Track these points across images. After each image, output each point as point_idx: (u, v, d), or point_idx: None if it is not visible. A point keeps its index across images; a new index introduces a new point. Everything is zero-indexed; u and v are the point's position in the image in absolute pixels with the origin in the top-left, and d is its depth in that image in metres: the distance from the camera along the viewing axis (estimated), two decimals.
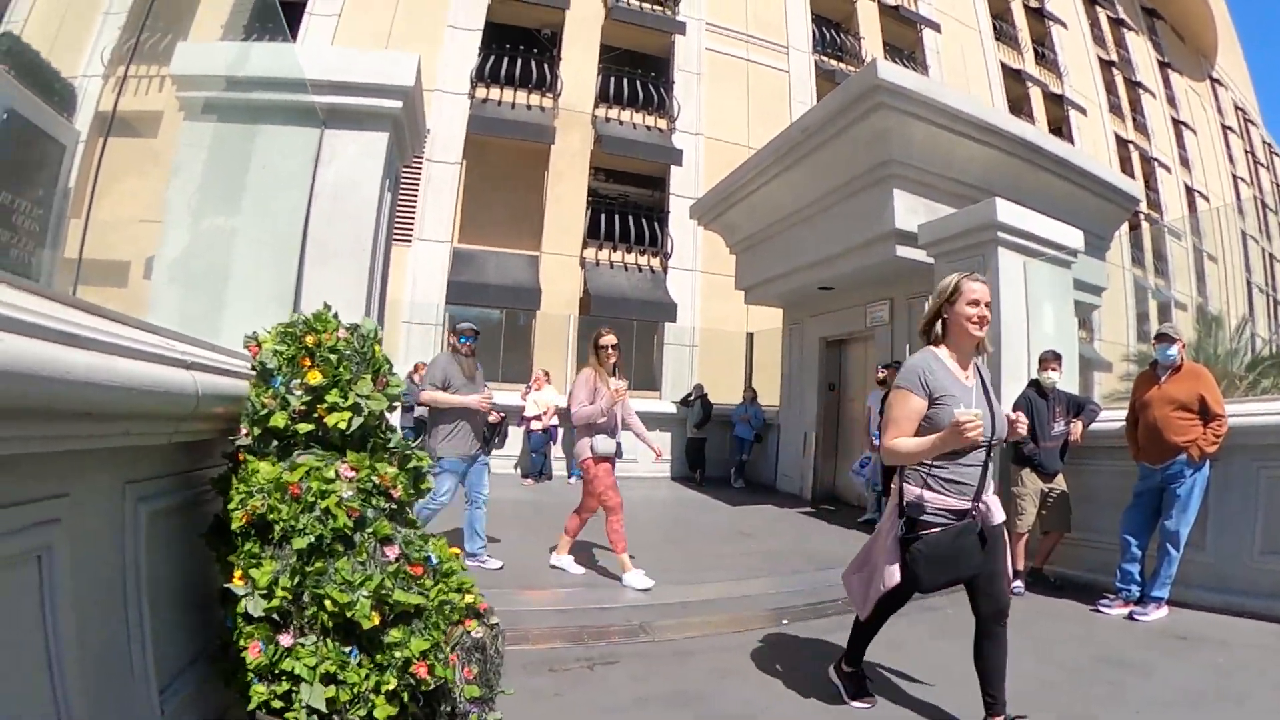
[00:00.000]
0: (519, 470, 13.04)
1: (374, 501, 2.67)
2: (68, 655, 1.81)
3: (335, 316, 2.94)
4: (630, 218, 19.06)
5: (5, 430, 1.49)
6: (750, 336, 15.73)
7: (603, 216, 18.80)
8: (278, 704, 2.37)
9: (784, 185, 10.43)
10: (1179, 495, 5.27)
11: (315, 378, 2.69)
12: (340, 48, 14.80)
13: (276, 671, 2.37)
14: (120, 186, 4.39)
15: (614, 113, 19.42)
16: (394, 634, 2.47)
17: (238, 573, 2.45)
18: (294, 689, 2.36)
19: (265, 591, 2.41)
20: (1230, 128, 42.48)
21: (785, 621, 5.24)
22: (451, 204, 17.69)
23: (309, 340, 2.79)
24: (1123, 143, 32.04)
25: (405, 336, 15.79)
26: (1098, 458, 6.37)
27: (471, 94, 18.20)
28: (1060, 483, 6.19)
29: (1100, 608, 5.51)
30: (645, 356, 18.66)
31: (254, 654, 2.36)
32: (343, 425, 2.70)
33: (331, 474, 2.58)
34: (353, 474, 2.64)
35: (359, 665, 2.41)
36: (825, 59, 22.74)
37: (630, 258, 18.88)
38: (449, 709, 2.59)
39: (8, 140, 4.23)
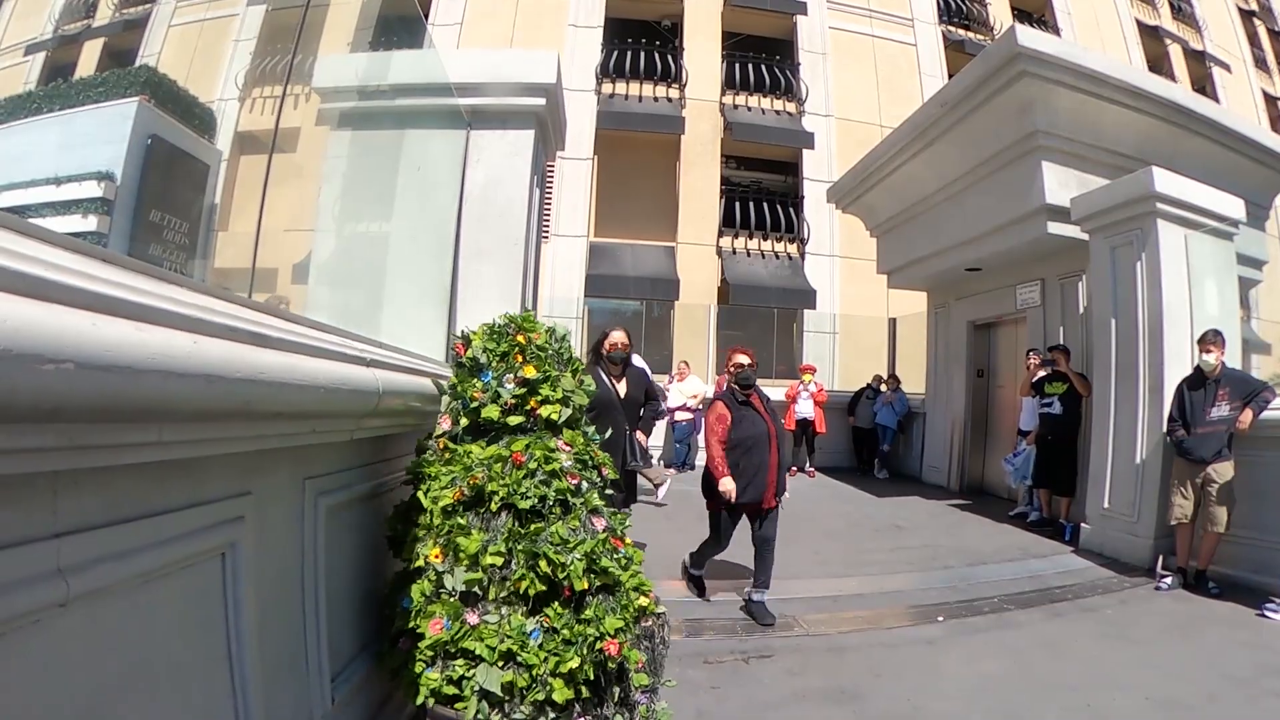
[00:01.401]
0: (662, 461, 12.99)
1: (588, 474, 2.91)
2: (248, 648, 1.88)
3: (536, 318, 3.20)
4: (765, 204, 18.80)
5: (205, 432, 1.54)
6: (893, 322, 15.32)
7: (737, 204, 18.63)
8: (450, 690, 2.43)
9: (925, 163, 10.06)
10: None
11: (530, 371, 2.94)
12: (478, 50, 15.17)
13: (453, 651, 2.45)
14: (265, 199, 4.62)
15: (741, 99, 19.20)
16: (589, 610, 2.61)
17: (434, 550, 2.58)
18: (467, 675, 2.42)
19: (470, 562, 2.54)
20: None
21: (941, 618, 5.15)
22: (585, 199, 17.89)
23: (520, 338, 3.03)
24: (1271, 100, 29.26)
25: None
26: (1267, 449, 5.90)
27: (598, 90, 18.35)
28: (1222, 473, 5.75)
29: (1267, 613, 5.19)
30: (786, 344, 18.47)
31: (435, 630, 2.45)
32: (555, 416, 2.94)
33: (552, 445, 2.85)
34: (569, 448, 2.90)
35: (540, 647, 2.48)
36: (952, 29, 21.71)
37: (767, 245, 18.65)
38: (618, 696, 2.66)
39: (153, 163, 4.52)
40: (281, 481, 2.14)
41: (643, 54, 18.82)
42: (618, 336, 5.61)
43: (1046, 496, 8.54)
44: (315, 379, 1.85)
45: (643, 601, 2.84)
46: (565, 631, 2.53)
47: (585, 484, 2.86)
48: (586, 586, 2.60)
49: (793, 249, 18.77)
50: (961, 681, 3.93)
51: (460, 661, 2.44)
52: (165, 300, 1.36)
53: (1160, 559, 6.15)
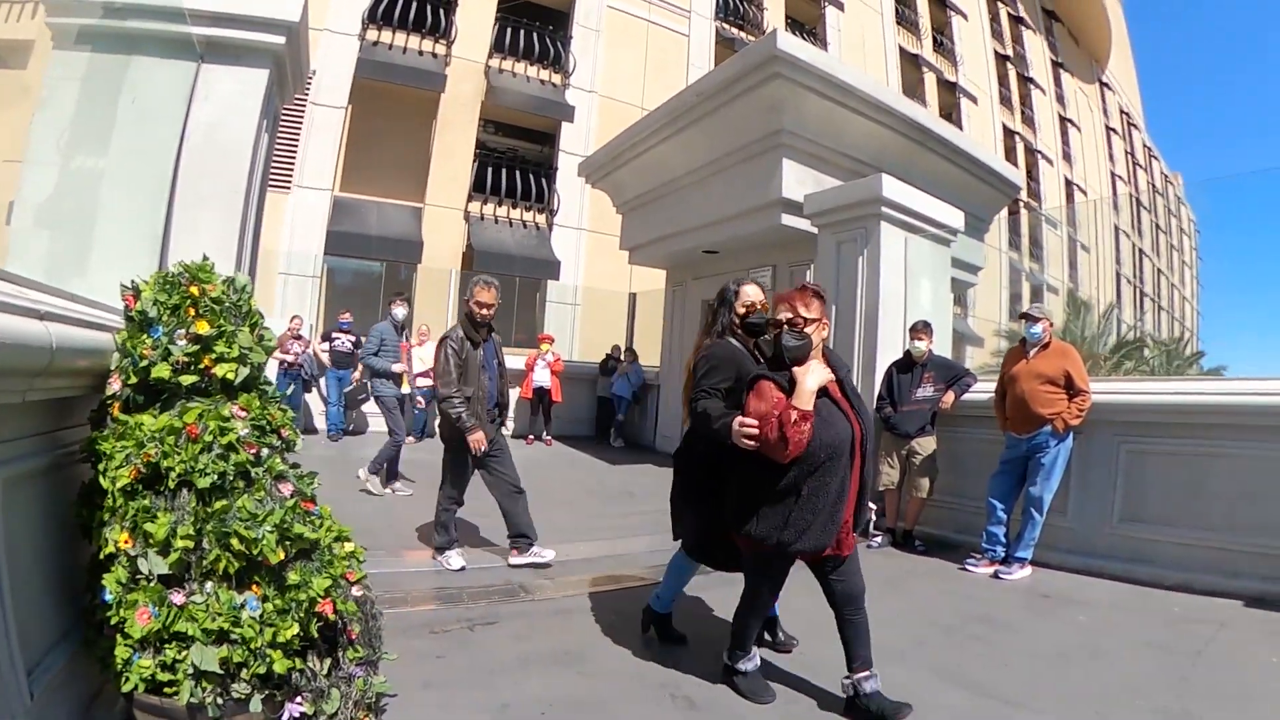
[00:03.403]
0: None
1: (267, 440, 2.69)
2: None
3: (214, 268, 2.87)
4: (518, 172, 18.77)
5: None
6: (633, 297, 15.84)
7: (490, 170, 18.44)
8: (164, 675, 2.25)
9: (675, 148, 10.44)
10: (1043, 464, 5.62)
11: (203, 327, 2.64)
12: None
13: (166, 637, 2.27)
14: None
15: (508, 64, 18.98)
16: (294, 575, 2.49)
17: (123, 534, 2.35)
18: (180, 659, 2.25)
19: (162, 546, 2.33)
20: (1114, 129, 45.40)
21: None
22: (334, 150, 16.96)
23: (193, 290, 2.71)
24: (1009, 133, 33.68)
25: (281, 288, 15.29)
26: (967, 426, 6.66)
27: (362, 35, 17.41)
28: (925, 447, 6.46)
29: (967, 566, 5.83)
30: (527, 314, 18.58)
31: (143, 620, 2.24)
32: (230, 375, 2.69)
33: (226, 413, 2.58)
34: (245, 414, 2.65)
35: (258, 619, 2.35)
36: (726, 26, 22.79)
37: (516, 213, 18.65)
38: (329, 668, 2.58)
39: None
40: None
41: (414, 4, 18.02)
42: (754, 294, 3.76)
43: None
44: None
45: (348, 548, 2.79)
46: (278, 601, 2.42)
47: (266, 450, 2.66)
48: (284, 557, 2.47)
49: (541, 219, 18.92)
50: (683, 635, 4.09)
51: (173, 645, 2.26)
52: None
53: (870, 521, 6.76)
